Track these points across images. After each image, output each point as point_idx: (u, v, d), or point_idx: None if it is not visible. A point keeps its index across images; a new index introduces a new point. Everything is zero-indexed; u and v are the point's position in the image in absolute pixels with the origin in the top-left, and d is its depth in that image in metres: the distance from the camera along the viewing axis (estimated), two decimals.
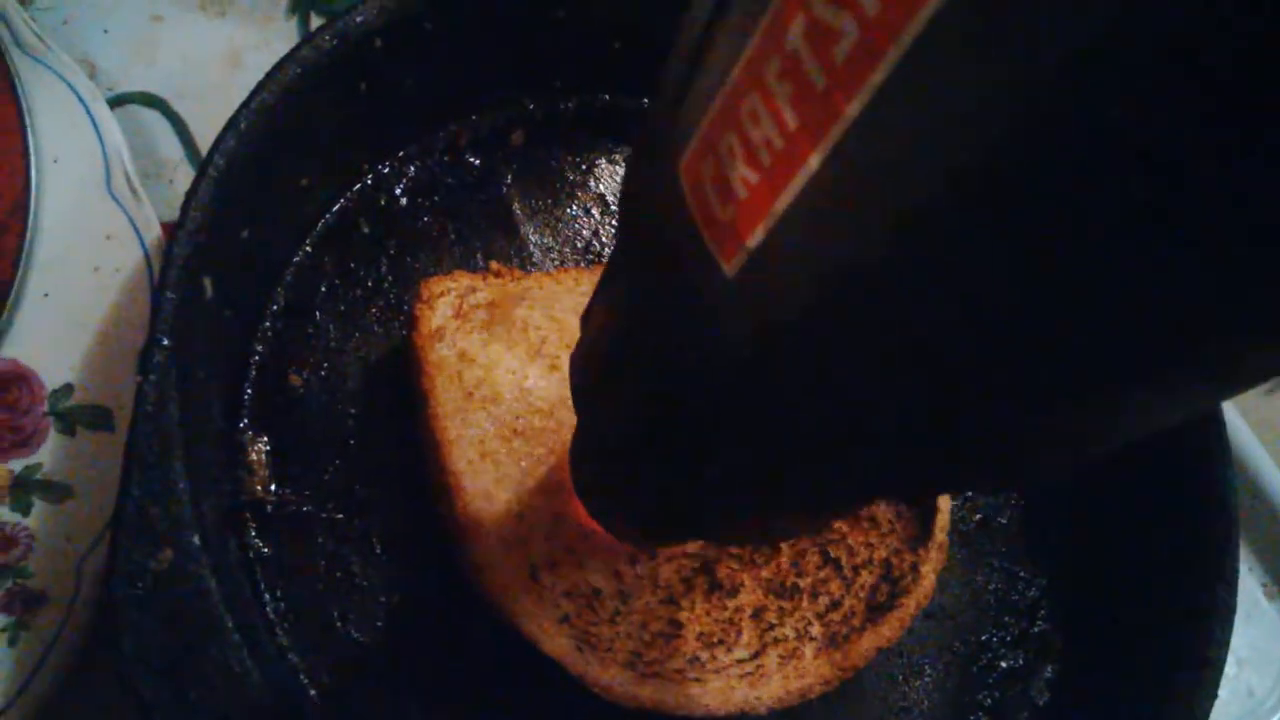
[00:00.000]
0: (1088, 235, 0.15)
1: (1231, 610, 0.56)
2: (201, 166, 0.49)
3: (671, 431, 0.29)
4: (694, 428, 0.27)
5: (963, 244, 0.17)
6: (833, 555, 0.56)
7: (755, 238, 0.20)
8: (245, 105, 0.51)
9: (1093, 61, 0.13)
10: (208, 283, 0.50)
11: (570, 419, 0.55)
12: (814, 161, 0.18)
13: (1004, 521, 0.64)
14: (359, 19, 0.55)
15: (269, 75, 0.52)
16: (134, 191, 0.56)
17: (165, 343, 0.46)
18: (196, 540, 0.44)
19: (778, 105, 0.19)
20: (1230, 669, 0.58)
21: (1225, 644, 0.56)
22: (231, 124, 0.50)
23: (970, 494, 0.65)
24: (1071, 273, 0.16)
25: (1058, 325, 0.17)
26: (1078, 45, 0.13)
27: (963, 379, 0.19)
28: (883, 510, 0.58)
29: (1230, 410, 0.64)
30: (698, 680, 0.51)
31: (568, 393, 0.54)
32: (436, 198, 0.63)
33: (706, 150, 0.22)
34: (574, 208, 0.66)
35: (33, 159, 0.55)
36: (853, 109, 0.17)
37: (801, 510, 0.31)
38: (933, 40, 0.15)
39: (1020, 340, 0.18)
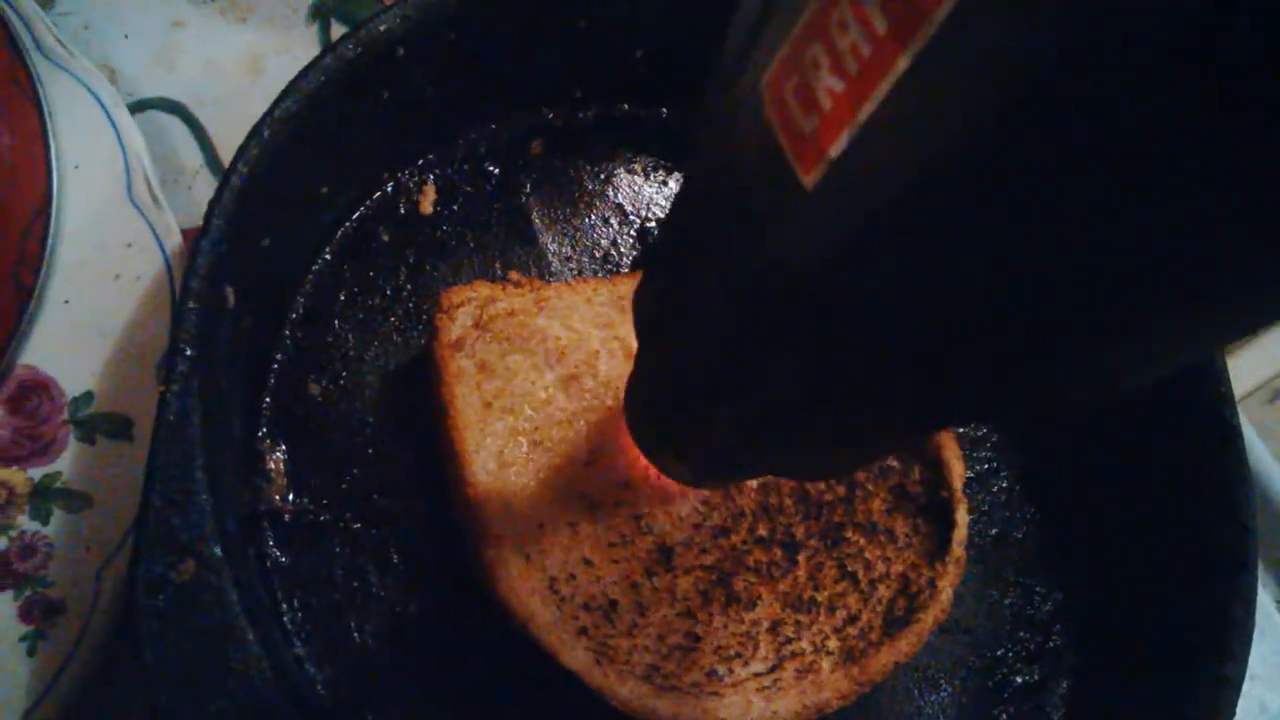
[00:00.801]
0: (1178, 124, 0.15)
1: (1249, 628, 0.56)
2: (224, 176, 0.49)
3: (733, 354, 0.30)
4: (755, 349, 0.28)
5: (1049, 136, 0.17)
6: (850, 569, 0.56)
7: (837, 147, 0.21)
8: (269, 114, 0.51)
9: None
10: (230, 292, 0.49)
11: (590, 428, 0.55)
12: (901, 64, 0.19)
13: (1020, 536, 0.64)
14: (382, 27, 0.55)
15: (292, 83, 0.52)
16: (155, 199, 0.56)
17: (188, 353, 0.45)
18: (218, 551, 0.44)
19: (866, 12, 0.20)
20: (1243, 685, 0.57)
21: (1243, 662, 0.55)
22: (255, 132, 0.50)
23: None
24: (1138, 172, 0.16)
25: (1121, 228, 0.17)
26: None
27: (1030, 284, 0.20)
28: (900, 524, 0.58)
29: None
30: (715, 694, 0.51)
31: (587, 404, 0.55)
32: (455, 206, 0.63)
33: (792, 64, 0.22)
34: (593, 217, 0.66)
35: (54, 165, 0.55)
36: (942, 10, 0.17)
37: (847, 439, 0.32)
38: None
39: (1095, 242, 0.18)
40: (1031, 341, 0.22)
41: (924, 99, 0.19)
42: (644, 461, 0.54)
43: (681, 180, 0.32)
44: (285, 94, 0.52)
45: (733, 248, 0.27)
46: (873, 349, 0.24)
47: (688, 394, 0.36)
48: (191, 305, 0.46)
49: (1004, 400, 0.27)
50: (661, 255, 0.36)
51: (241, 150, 0.50)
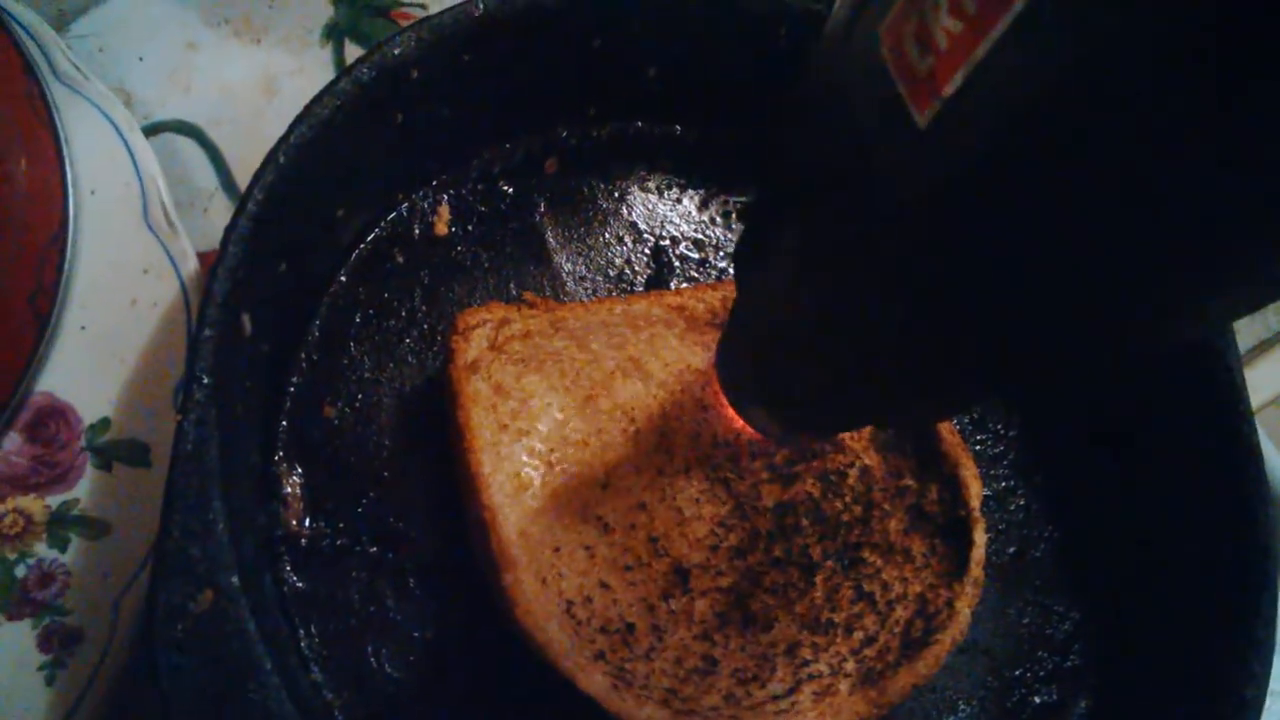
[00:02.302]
0: None
1: (1271, 648, 0.56)
2: (241, 201, 0.49)
3: (837, 294, 0.32)
4: (859, 288, 0.30)
5: (1165, 69, 0.18)
6: (867, 590, 0.56)
7: (952, 85, 0.22)
8: (284, 139, 0.51)
9: None
10: (246, 319, 0.50)
11: (606, 450, 0.55)
12: (1020, 3, 0.20)
13: (1038, 555, 0.64)
14: (396, 50, 0.55)
15: (308, 108, 0.52)
16: (170, 223, 0.56)
17: (205, 381, 0.45)
18: (236, 581, 0.44)
19: None
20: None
21: (1264, 682, 0.55)
22: (270, 158, 0.50)
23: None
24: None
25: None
26: None
27: (1135, 222, 0.21)
28: (917, 544, 0.58)
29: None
30: (733, 717, 0.51)
31: (602, 425, 0.55)
32: (470, 227, 0.63)
33: (911, 9, 0.24)
34: (607, 236, 0.66)
35: (70, 191, 0.55)
36: None
37: (941, 383, 0.34)
38: None
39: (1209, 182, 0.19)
40: (1128, 284, 0.23)
41: (1040, 36, 0.20)
42: (660, 482, 0.54)
43: (782, 128, 0.33)
44: (300, 119, 0.52)
45: (843, 187, 0.29)
46: (972, 288, 0.26)
47: (787, 340, 0.38)
48: (208, 334, 0.46)
49: (1093, 345, 0.28)
50: (764, 207, 0.38)
51: (257, 177, 0.50)
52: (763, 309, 0.39)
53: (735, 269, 0.40)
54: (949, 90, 0.22)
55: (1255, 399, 0.61)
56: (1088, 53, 0.19)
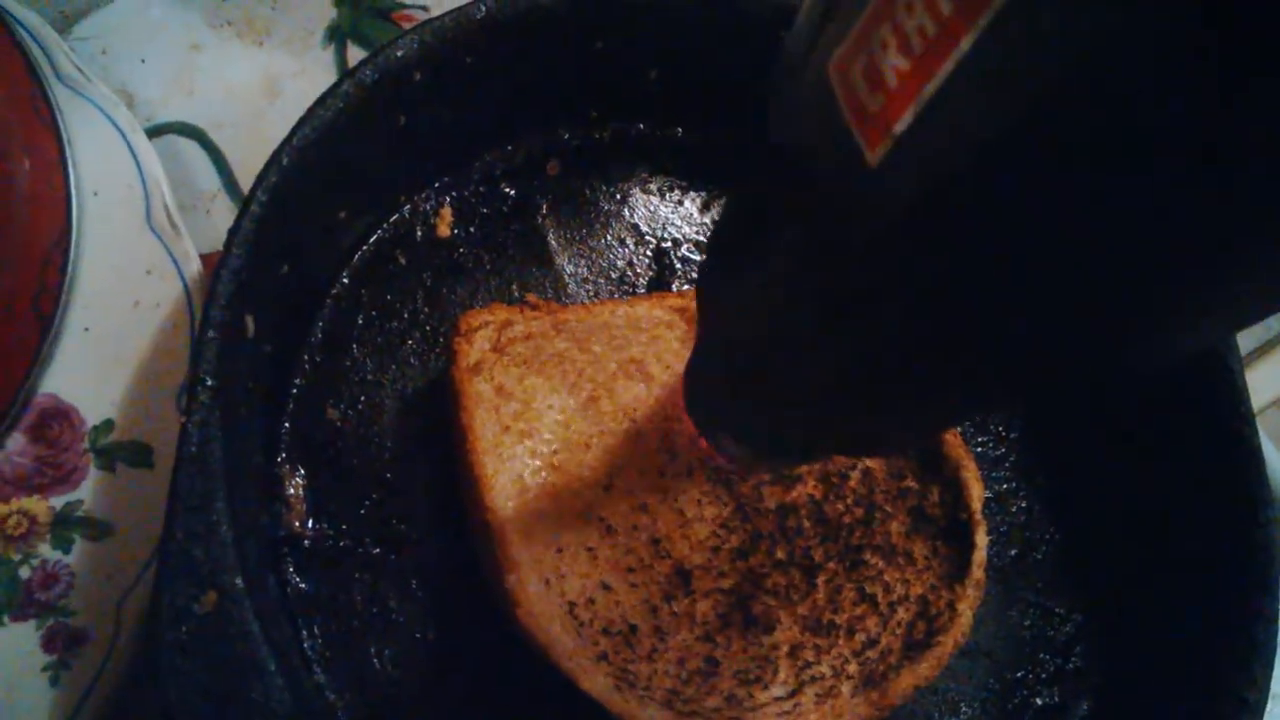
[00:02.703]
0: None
1: (1271, 651, 0.56)
2: (244, 203, 0.49)
3: (797, 326, 0.31)
4: (818, 320, 0.30)
5: (1108, 112, 0.18)
6: (869, 592, 0.56)
7: (903, 123, 0.22)
8: (287, 141, 0.51)
9: None
10: (249, 321, 0.50)
11: (608, 452, 0.55)
12: (965, 44, 0.20)
13: (1039, 557, 0.64)
14: (399, 53, 0.55)
15: (311, 110, 0.52)
16: (174, 225, 0.56)
17: (209, 383, 0.46)
18: (240, 582, 0.44)
19: None
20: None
21: (1266, 685, 0.55)
22: (274, 160, 0.50)
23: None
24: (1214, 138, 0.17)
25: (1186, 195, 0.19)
26: None
27: (1092, 255, 0.21)
28: (919, 546, 0.58)
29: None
30: (735, 719, 0.51)
31: (605, 426, 0.55)
32: (472, 229, 0.63)
33: (860, 46, 0.24)
34: (609, 238, 0.66)
35: (74, 193, 0.55)
36: None
37: (910, 412, 0.34)
38: None
39: (1147, 214, 0.19)
40: (1093, 312, 0.23)
41: (987, 76, 0.20)
42: (662, 484, 0.54)
43: (745, 157, 0.33)
44: (304, 121, 0.52)
45: (798, 220, 0.28)
46: (931, 319, 0.26)
47: (750, 369, 0.37)
48: (212, 335, 0.46)
49: (1060, 371, 0.28)
50: (726, 230, 0.37)
51: (260, 178, 0.50)
52: (726, 335, 0.39)
53: (697, 293, 0.40)
54: (900, 128, 0.22)
55: (1256, 401, 0.61)
56: (1038, 96, 0.19)
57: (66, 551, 0.52)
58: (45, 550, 0.52)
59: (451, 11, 0.57)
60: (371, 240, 0.61)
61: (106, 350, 0.55)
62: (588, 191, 0.67)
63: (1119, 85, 0.18)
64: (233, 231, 0.48)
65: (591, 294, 0.64)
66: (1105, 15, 0.17)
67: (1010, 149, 0.20)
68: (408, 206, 0.63)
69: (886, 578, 0.57)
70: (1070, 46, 0.18)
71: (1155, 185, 0.19)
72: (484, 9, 0.57)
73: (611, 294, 0.64)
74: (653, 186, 0.68)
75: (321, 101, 0.52)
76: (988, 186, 0.21)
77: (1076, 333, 0.25)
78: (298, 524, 0.53)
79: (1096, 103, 0.18)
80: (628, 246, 0.66)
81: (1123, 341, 0.25)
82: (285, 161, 0.51)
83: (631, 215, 0.67)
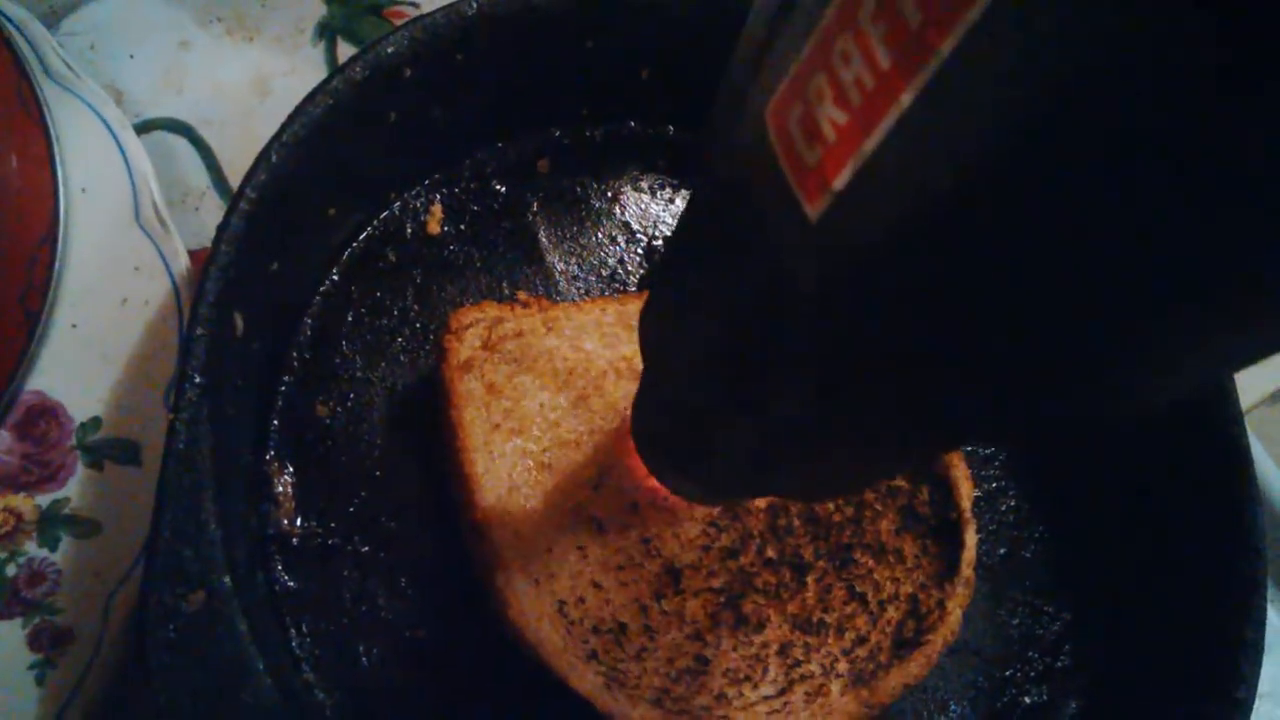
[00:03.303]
0: (1194, 164, 0.16)
1: (1260, 650, 0.56)
2: (233, 200, 0.49)
3: (738, 376, 0.30)
4: (760, 370, 0.28)
5: (1054, 174, 0.17)
6: (859, 590, 0.56)
7: (842, 179, 0.21)
8: (277, 138, 0.51)
9: None
10: (238, 318, 0.49)
11: (598, 450, 0.55)
12: (905, 99, 0.19)
13: (1028, 556, 0.64)
14: (390, 49, 0.55)
15: (300, 107, 0.52)
16: (162, 222, 0.56)
17: (198, 380, 0.45)
18: (228, 581, 0.44)
19: (870, 44, 0.20)
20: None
21: (1254, 684, 0.55)
22: (263, 157, 0.50)
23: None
24: (1165, 203, 0.16)
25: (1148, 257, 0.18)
26: None
27: (1041, 311, 0.20)
28: (909, 545, 0.58)
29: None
30: (725, 717, 0.51)
31: (595, 425, 0.55)
32: (462, 226, 0.63)
33: (795, 94, 0.22)
34: (599, 235, 0.66)
35: (61, 189, 0.55)
36: (946, 45, 0.17)
37: (860, 457, 0.32)
38: None
39: (1108, 273, 0.18)
40: (1039, 368, 0.22)
41: (930, 134, 0.19)
42: (651, 484, 0.54)
43: (687, 201, 0.32)
44: (293, 117, 0.52)
45: (738, 271, 0.27)
46: (875, 373, 0.24)
47: (693, 415, 0.36)
48: (200, 333, 0.46)
49: (1010, 422, 0.27)
50: (666, 275, 0.36)
51: (249, 175, 0.50)
52: (665, 378, 0.37)
53: (640, 334, 0.38)
54: (839, 185, 0.21)
55: (1244, 400, 0.61)
56: (986, 159, 0.18)
57: (53, 549, 0.52)
58: (32, 548, 0.52)
59: (443, 8, 0.56)
60: (361, 237, 0.61)
61: (94, 347, 0.55)
62: (579, 189, 0.67)
63: (1070, 151, 0.17)
64: (221, 229, 0.48)
65: (582, 292, 0.64)
66: (1057, 80, 0.16)
67: (961, 213, 0.19)
68: (398, 204, 0.62)
69: (876, 576, 0.57)
70: (1019, 109, 0.17)
71: (1103, 255, 0.18)
72: (475, 6, 0.57)
73: (602, 292, 0.64)
74: (644, 185, 0.68)
75: (311, 98, 0.52)
76: (937, 249, 0.20)
77: (1018, 397, 0.23)
78: (286, 522, 0.53)
79: (1047, 168, 0.17)
80: (619, 244, 0.66)
81: (1056, 402, 0.24)
82: (274, 159, 0.50)
83: (622, 213, 0.67)
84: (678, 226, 0.34)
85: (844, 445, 0.30)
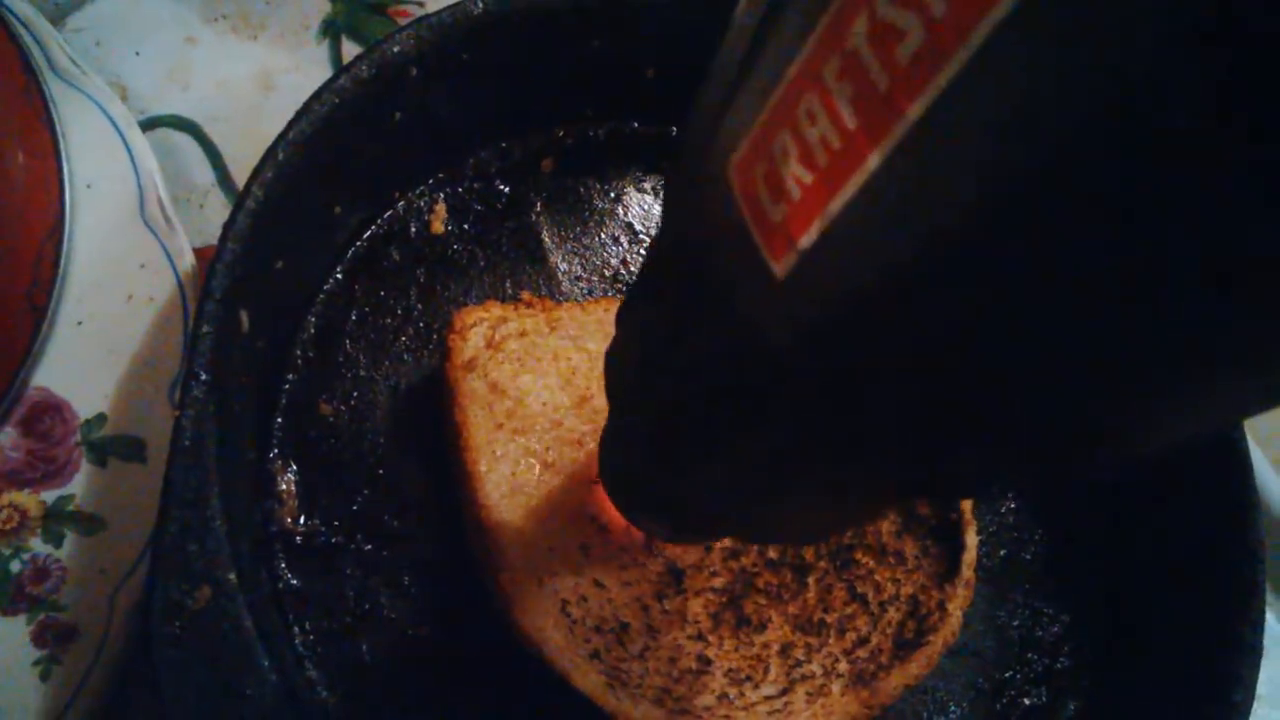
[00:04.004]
0: (1168, 232, 0.15)
1: (1258, 653, 0.56)
2: (239, 198, 0.49)
3: (701, 425, 0.29)
4: (723, 421, 0.28)
5: (1024, 244, 0.17)
6: (859, 591, 0.56)
7: (808, 238, 0.20)
8: (283, 136, 0.51)
9: (1189, 54, 0.13)
10: (244, 316, 0.49)
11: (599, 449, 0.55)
12: (872, 161, 0.18)
13: (1028, 558, 0.64)
14: (396, 48, 0.55)
15: (306, 105, 0.52)
16: (167, 219, 0.56)
17: (204, 377, 0.45)
18: (233, 578, 0.44)
19: (836, 105, 0.19)
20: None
21: (1252, 686, 0.55)
22: (269, 154, 0.50)
23: (999, 516, 0.65)
24: (1142, 266, 0.16)
25: (1117, 319, 0.17)
26: (1175, 33, 0.13)
27: (1008, 377, 0.19)
28: (909, 546, 0.58)
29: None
30: (726, 717, 0.51)
31: (599, 424, 0.55)
32: (466, 225, 0.63)
33: (759, 150, 0.22)
34: (603, 236, 0.66)
35: (67, 186, 0.55)
36: (915, 110, 0.17)
37: (831, 507, 0.32)
38: (1004, 41, 0.15)
39: (1079, 338, 0.18)
40: (1007, 427, 0.21)
41: (898, 198, 0.18)
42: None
43: (650, 246, 0.32)
44: (299, 115, 0.52)
45: (704, 324, 0.26)
46: (846, 429, 0.24)
47: (657, 459, 0.35)
48: (206, 329, 0.46)
49: (986, 478, 0.26)
50: (629, 321, 0.35)
51: (256, 172, 0.50)
52: (633, 423, 0.36)
53: (604, 375, 0.37)
54: (805, 244, 0.20)
55: None
56: (956, 225, 0.17)
57: (58, 546, 0.52)
58: (36, 544, 0.52)
59: (449, 7, 0.57)
60: (365, 236, 0.61)
61: (99, 344, 0.55)
62: (582, 189, 0.67)
63: (1041, 224, 0.16)
64: (228, 226, 0.48)
65: (585, 292, 0.64)
66: (1033, 150, 0.15)
67: (930, 277, 0.18)
68: (402, 202, 0.63)
69: (877, 577, 0.57)
70: (993, 178, 0.16)
71: (1078, 323, 0.17)
72: (482, 5, 0.57)
73: (605, 292, 0.64)
74: (647, 185, 0.68)
75: (317, 96, 0.52)
76: (906, 310, 0.19)
77: (993, 456, 0.23)
78: (289, 520, 0.53)
79: (1019, 239, 0.17)
80: (621, 245, 0.66)
81: (1030, 462, 0.23)
82: (281, 156, 0.51)
83: (626, 214, 0.67)
84: (641, 272, 0.33)
85: (813, 495, 0.30)
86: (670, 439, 0.33)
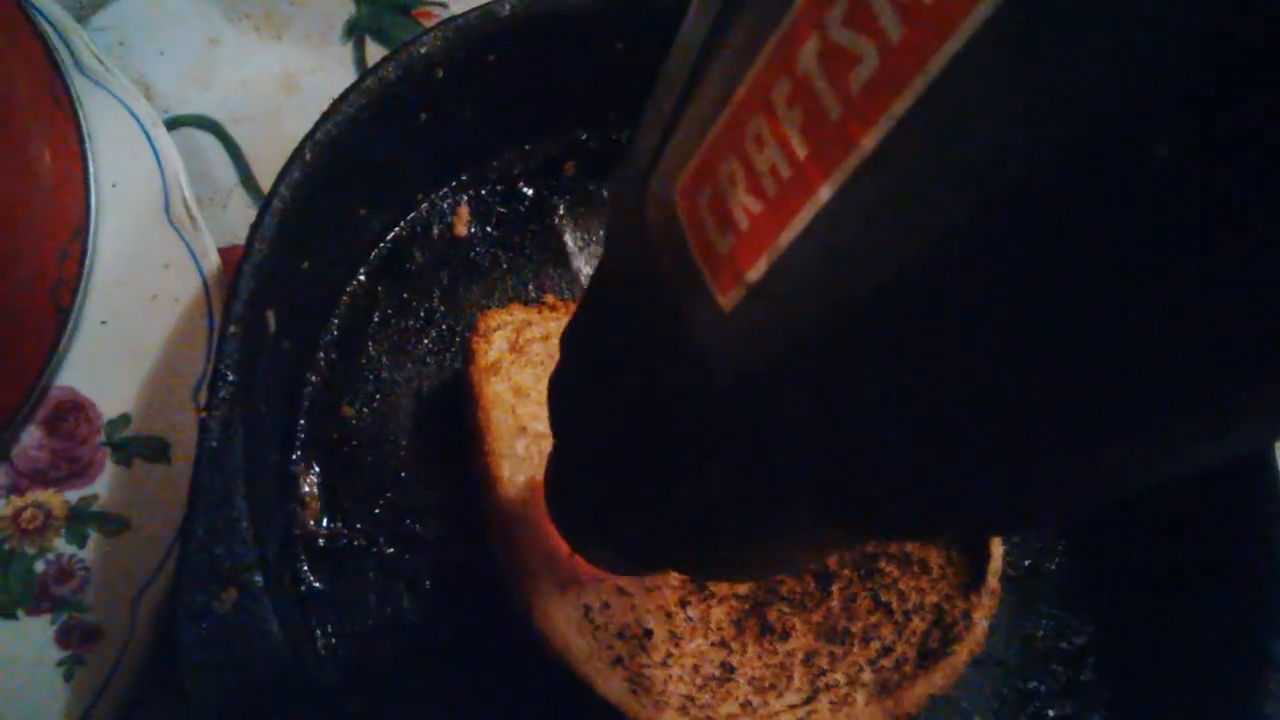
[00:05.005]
0: (1119, 269, 0.14)
1: None
2: (266, 198, 0.49)
3: (651, 457, 0.28)
4: (674, 455, 0.27)
5: (980, 280, 0.16)
6: (884, 600, 0.56)
7: (756, 271, 0.19)
8: (310, 136, 0.51)
9: (1148, 87, 0.12)
10: (270, 317, 0.49)
11: None
12: (824, 194, 0.17)
13: (1052, 568, 0.64)
14: (423, 50, 0.55)
15: (333, 106, 0.52)
16: (192, 219, 0.56)
17: (230, 378, 0.45)
18: (259, 579, 0.44)
19: (785, 131, 0.18)
20: None
21: (1279, 700, 0.55)
22: (296, 155, 0.50)
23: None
24: (1100, 303, 0.15)
25: (1081, 360, 0.16)
26: (1139, 65, 0.12)
27: (966, 416, 0.18)
28: (934, 555, 0.57)
29: None
30: None
31: None
32: (489, 228, 0.63)
33: (705, 175, 0.21)
34: None
35: (93, 185, 0.55)
36: (869, 141, 0.16)
37: (775, 549, 0.31)
38: (966, 70, 0.14)
39: (1031, 381, 0.16)
40: (962, 469, 0.20)
41: (851, 233, 0.17)
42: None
43: (593, 274, 0.31)
44: (326, 116, 0.51)
45: (645, 350, 0.25)
46: (791, 467, 0.22)
47: (601, 493, 0.34)
48: (234, 330, 0.46)
49: (928, 520, 0.24)
50: (573, 351, 0.34)
51: (283, 173, 0.49)
52: (578, 454, 0.35)
53: (549, 404, 0.36)
54: (753, 277, 0.19)
55: None
56: (914, 260, 0.16)
57: (81, 546, 0.52)
58: (60, 545, 0.52)
59: (476, 9, 0.56)
60: (389, 238, 0.61)
61: (124, 344, 0.54)
62: (605, 193, 0.66)
63: (1003, 262, 0.15)
64: (255, 226, 0.48)
65: None
66: (989, 182, 0.14)
67: (884, 314, 0.17)
68: (425, 204, 0.62)
69: (901, 586, 0.56)
70: (952, 216, 0.15)
71: (1039, 372, 0.16)
72: (509, 7, 0.57)
73: None
74: None
75: (344, 97, 0.52)
76: (859, 348, 0.18)
77: (956, 498, 0.21)
78: (312, 522, 0.53)
79: (977, 279, 0.16)
80: None
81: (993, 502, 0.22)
82: (308, 157, 0.50)
83: None
84: (586, 292, 0.33)
85: (763, 530, 0.28)
86: (613, 473, 0.32)
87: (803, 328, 0.19)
